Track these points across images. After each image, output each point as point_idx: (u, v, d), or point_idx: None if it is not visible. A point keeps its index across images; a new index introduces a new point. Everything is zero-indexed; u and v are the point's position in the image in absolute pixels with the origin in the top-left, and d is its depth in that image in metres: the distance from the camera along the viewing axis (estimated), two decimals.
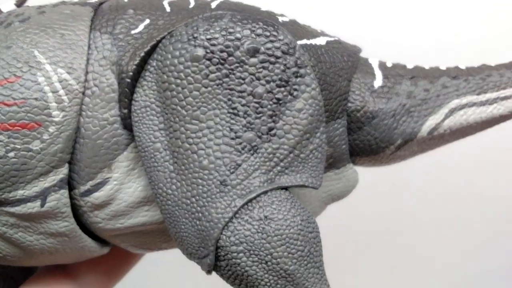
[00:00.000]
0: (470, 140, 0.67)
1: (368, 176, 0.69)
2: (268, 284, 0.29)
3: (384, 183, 0.70)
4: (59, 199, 0.31)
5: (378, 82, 0.35)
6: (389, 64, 0.37)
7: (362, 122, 0.35)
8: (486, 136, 0.67)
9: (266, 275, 0.29)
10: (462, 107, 0.36)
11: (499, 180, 0.70)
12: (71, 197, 0.32)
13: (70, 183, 0.32)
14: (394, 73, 0.36)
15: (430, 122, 0.35)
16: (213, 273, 0.30)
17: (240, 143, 0.30)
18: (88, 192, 0.32)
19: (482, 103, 0.36)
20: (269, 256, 0.29)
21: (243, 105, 0.30)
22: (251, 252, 0.29)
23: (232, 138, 0.30)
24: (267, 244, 0.29)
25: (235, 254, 0.29)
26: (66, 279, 0.38)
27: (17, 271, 0.40)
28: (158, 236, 0.35)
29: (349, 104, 0.34)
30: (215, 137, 0.30)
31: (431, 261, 0.72)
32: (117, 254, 0.39)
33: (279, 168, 0.30)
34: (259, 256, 0.29)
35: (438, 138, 0.36)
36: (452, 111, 0.36)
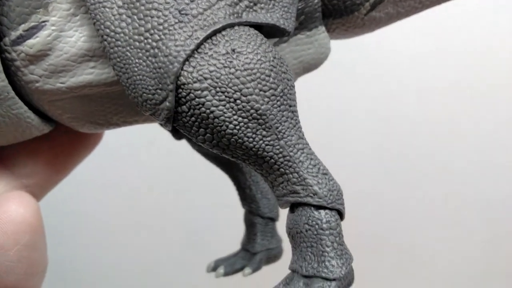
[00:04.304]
0: (470, 140, 0.67)
1: (368, 176, 0.67)
2: (238, 127, 0.25)
3: (384, 184, 0.69)
4: None
5: None
6: None
7: None
8: (487, 136, 0.67)
9: (235, 116, 0.25)
10: None
11: (499, 180, 0.69)
12: (1, 50, 0.27)
13: None
14: None
15: None
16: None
17: None
18: (21, 39, 0.27)
19: None
20: (238, 93, 0.25)
21: None
22: (217, 89, 0.25)
23: None
24: (236, 79, 0.25)
25: (198, 92, 0.25)
26: (0, 171, 0.32)
27: None
28: (107, 104, 0.30)
29: None
30: None
31: (431, 261, 0.71)
32: (62, 141, 0.34)
33: (246, 2, 0.27)
34: (226, 94, 0.25)
35: None
36: None
